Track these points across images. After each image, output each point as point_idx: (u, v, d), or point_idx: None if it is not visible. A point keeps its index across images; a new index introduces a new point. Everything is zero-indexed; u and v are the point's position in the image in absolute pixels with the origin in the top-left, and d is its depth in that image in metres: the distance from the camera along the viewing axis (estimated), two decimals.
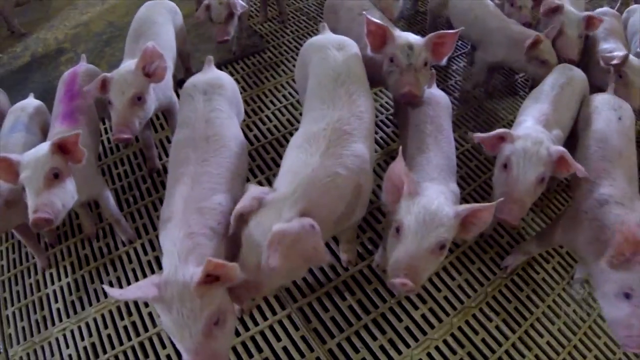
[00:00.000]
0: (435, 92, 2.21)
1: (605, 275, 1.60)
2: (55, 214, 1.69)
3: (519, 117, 2.15)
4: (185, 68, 3.08)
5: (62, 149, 1.77)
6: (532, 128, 1.92)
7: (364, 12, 2.17)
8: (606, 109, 2.14)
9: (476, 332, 2.06)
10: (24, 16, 3.90)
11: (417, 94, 2.05)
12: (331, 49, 2.05)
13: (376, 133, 2.88)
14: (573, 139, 2.17)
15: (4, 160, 1.71)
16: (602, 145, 1.98)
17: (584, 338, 2.09)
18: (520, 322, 2.11)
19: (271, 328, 2.06)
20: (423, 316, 2.10)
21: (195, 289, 1.29)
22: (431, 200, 1.52)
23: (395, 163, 1.60)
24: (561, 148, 1.78)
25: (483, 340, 2.03)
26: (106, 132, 2.92)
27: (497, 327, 2.08)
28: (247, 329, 2.05)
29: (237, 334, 2.01)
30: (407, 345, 2.01)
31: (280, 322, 2.07)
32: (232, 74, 3.24)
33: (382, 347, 2.00)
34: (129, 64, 2.11)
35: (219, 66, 3.21)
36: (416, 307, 2.12)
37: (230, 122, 1.92)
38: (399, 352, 1.99)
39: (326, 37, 2.21)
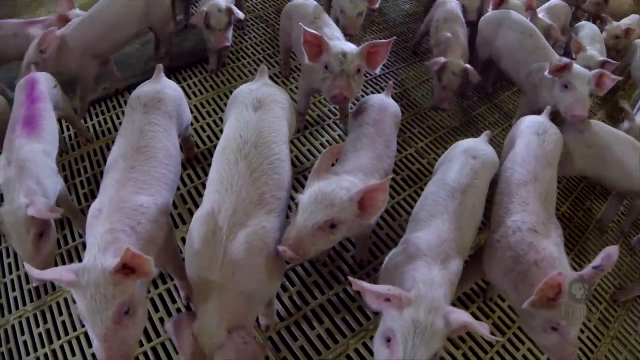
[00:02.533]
0: (386, 100, 2.35)
1: (530, 313, 1.59)
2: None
3: None
4: None
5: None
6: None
7: (300, 24, 2.25)
8: (529, 133, 2.17)
9: None
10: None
11: (347, 97, 2.17)
12: (248, 107, 1.94)
13: (322, 136, 3.03)
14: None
15: None
16: (519, 169, 2.00)
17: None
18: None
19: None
20: None
21: (111, 275, 1.35)
22: (330, 183, 1.61)
23: None
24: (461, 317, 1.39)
25: None
26: (67, 130, 2.97)
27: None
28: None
29: None
30: None
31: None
32: (190, 78, 3.35)
33: None
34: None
35: (177, 70, 3.33)
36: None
37: (164, 135, 1.97)
38: None
39: (251, 89, 2.06)
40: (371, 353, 2.07)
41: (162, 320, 2.13)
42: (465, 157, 1.99)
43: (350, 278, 1.47)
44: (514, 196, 1.90)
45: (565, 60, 2.55)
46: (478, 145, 2.08)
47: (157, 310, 2.17)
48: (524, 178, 1.95)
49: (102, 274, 1.37)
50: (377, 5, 2.93)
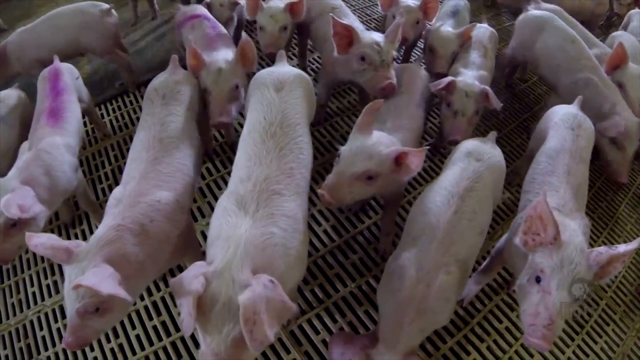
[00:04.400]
0: (415, 66, 2.50)
1: (524, 265, 1.51)
2: (11, 259, 1.80)
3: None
4: None
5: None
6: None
7: (330, 14, 2.17)
8: (563, 127, 2.06)
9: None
10: (5, 13, 3.86)
11: (396, 86, 2.17)
12: (269, 87, 1.89)
13: (342, 128, 2.93)
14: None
15: None
16: (551, 162, 1.91)
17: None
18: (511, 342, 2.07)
19: (262, 353, 1.93)
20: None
21: (74, 287, 1.30)
22: (371, 138, 1.71)
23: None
24: None
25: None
26: (85, 125, 2.91)
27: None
28: None
29: None
30: None
31: (272, 346, 1.95)
32: None
33: None
34: None
35: None
36: None
37: (185, 126, 1.93)
38: None
39: (270, 71, 2.03)
40: None
41: (163, 323, 2.04)
42: (467, 159, 1.84)
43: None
44: (545, 184, 1.82)
45: None
46: (483, 146, 1.91)
47: (159, 314, 2.08)
48: (557, 170, 1.87)
49: (79, 273, 1.35)
50: (302, 18, 2.61)
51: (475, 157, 1.83)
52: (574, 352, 2.09)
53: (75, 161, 2.08)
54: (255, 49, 2.20)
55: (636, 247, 1.38)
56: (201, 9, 2.68)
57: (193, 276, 1.25)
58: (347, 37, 2.13)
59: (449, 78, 2.26)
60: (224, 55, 2.20)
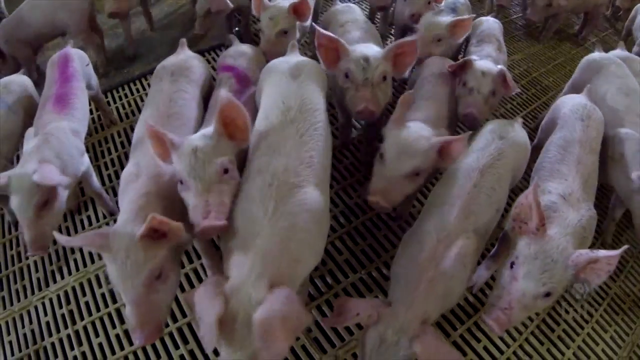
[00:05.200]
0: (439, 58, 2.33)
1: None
2: (48, 244, 1.75)
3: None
4: None
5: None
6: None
7: (313, 24, 1.98)
8: (573, 118, 2.03)
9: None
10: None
11: (374, 110, 1.86)
12: (286, 74, 1.79)
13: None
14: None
15: None
16: (561, 151, 1.90)
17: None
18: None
19: None
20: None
21: (139, 241, 1.30)
22: (411, 133, 1.66)
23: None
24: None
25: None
26: (91, 112, 2.86)
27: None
28: None
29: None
30: None
31: None
32: (214, 60, 3.21)
33: None
34: None
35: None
36: None
37: (193, 103, 1.90)
38: None
39: (283, 59, 1.94)
40: None
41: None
42: (491, 136, 1.83)
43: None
44: (554, 172, 1.82)
45: None
46: (508, 126, 1.90)
47: (182, 290, 2.03)
48: (566, 159, 1.86)
49: (131, 239, 1.31)
50: (307, 22, 2.44)
51: (499, 134, 1.83)
52: (583, 341, 2.04)
53: (82, 146, 2.04)
54: (245, 112, 1.53)
55: (618, 255, 1.34)
56: (236, 58, 2.16)
57: (212, 294, 1.21)
58: (334, 49, 1.91)
59: (466, 58, 2.18)
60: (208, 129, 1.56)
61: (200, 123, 1.88)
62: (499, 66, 2.15)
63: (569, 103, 2.14)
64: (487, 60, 2.24)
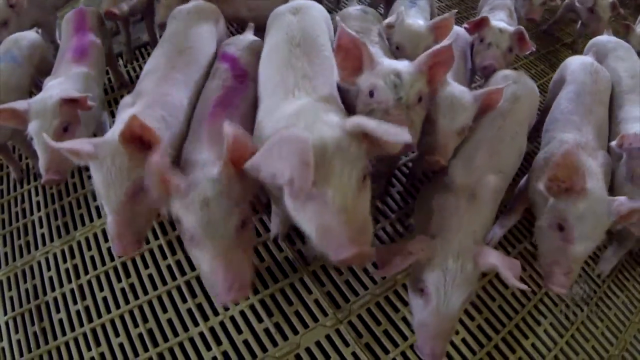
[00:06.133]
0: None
1: (546, 207, 1.50)
2: (64, 173, 1.69)
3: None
4: None
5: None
6: None
7: (338, 19, 1.55)
8: (582, 73, 2.08)
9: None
10: None
11: (412, 142, 1.25)
12: (286, 13, 1.78)
13: None
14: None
15: (9, 111, 1.62)
16: (572, 103, 1.92)
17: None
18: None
19: (282, 291, 1.83)
20: None
21: (125, 148, 1.26)
22: (453, 88, 1.60)
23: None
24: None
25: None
26: None
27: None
28: (256, 292, 1.82)
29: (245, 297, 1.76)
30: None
31: (292, 285, 1.84)
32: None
33: (404, 318, 1.79)
34: None
35: None
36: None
37: (207, 41, 1.90)
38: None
39: (286, 4, 1.89)
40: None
41: (150, 276, 1.87)
42: (504, 81, 1.85)
43: None
44: (567, 122, 1.84)
45: None
46: (519, 73, 1.97)
47: (173, 253, 1.93)
48: (578, 110, 1.88)
49: (118, 147, 1.28)
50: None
51: (513, 79, 1.88)
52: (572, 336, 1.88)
53: (102, 94, 2.04)
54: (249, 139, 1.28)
55: None
56: (240, 49, 1.87)
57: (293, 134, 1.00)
58: (356, 57, 1.47)
59: (482, 15, 2.19)
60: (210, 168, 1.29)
61: (212, 59, 1.87)
62: (516, 26, 2.18)
63: (577, 61, 2.20)
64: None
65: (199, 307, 1.77)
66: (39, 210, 2.15)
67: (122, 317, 1.76)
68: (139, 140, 1.26)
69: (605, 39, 2.53)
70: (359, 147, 1.07)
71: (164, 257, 1.91)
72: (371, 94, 1.44)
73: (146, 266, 1.88)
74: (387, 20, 2.02)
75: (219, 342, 1.69)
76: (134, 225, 1.30)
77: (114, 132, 1.37)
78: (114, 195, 1.28)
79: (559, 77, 2.24)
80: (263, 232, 1.99)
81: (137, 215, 1.31)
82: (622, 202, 1.39)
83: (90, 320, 1.77)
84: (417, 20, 2.01)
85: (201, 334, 1.70)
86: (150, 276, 1.86)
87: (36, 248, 2.02)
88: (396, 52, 1.92)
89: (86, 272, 1.90)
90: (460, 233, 1.36)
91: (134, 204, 1.30)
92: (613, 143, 1.75)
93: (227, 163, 1.19)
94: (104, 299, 1.81)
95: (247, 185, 1.22)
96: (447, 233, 1.36)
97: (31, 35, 2.26)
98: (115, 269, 1.89)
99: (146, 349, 1.68)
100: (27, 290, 1.89)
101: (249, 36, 2.02)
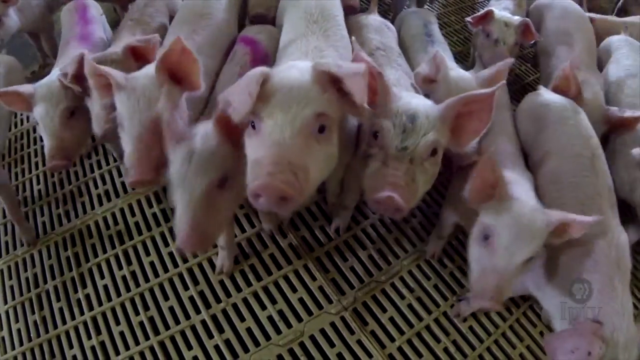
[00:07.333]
0: None
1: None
2: (72, 158, 1.66)
3: None
4: None
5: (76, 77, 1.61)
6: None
7: (354, 41, 1.46)
8: (626, 44, 2.22)
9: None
10: None
11: (402, 207, 1.12)
12: None
13: None
14: None
15: (13, 94, 1.60)
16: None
17: None
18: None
19: (286, 278, 1.78)
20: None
21: (157, 68, 1.31)
22: (522, 204, 1.26)
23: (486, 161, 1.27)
24: None
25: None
26: None
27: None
28: (259, 279, 1.77)
29: (249, 284, 1.76)
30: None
31: (296, 272, 1.79)
32: None
33: (410, 305, 1.74)
34: None
35: None
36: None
37: (227, 7, 1.94)
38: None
39: None
40: (425, 275, 1.83)
41: (152, 263, 1.84)
42: None
43: None
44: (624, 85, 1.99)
45: None
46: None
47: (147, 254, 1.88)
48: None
49: (150, 79, 1.34)
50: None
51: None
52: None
53: None
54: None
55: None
56: (259, 33, 1.90)
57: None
58: (370, 88, 1.18)
59: (487, 8, 2.15)
60: None
61: (233, 33, 1.95)
62: (521, 18, 2.14)
63: (614, 38, 2.31)
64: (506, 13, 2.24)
65: (201, 294, 1.73)
66: (40, 198, 2.12)
67: (123, 305, 1.72)
68: (172, 72, 1.33)
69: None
70: (320, 92, 1.06)
71: (166, 244, 1.87)
72: (375, 135, 1.21)
73: (147, 253, 1.85)
74: (421, 72, 1.64)
75: (221, 330, 1.64)
76: (152, 153, 1.30)
77: (147, 70, 1.39)
78: (138, 123, 1.31)
79: (603, 52, 2.31)
80: None
81: (157, 144, 1.29)
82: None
83: (90, 308, 1.73)
84: (460, 71, 1.67)
85: (203, 322, 1.66)
86: (151, 263, 1.82)
87: (37, 237, 1.98)
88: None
89: (87, 260, 1.86)
90: (626, 314, 1.25)
91: (155, 132, 1.30)
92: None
93: (218, 120, 1.17)
94: (105, 287, 1.78)
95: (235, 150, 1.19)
96: (617, 319, 1.24)
97: (5, 59, 2.20)
98: (117, 256, 1.85)
99: (147, 337, 1.64)
100: (27, 279, 1.86)
101: (267, 26, 2.01)
